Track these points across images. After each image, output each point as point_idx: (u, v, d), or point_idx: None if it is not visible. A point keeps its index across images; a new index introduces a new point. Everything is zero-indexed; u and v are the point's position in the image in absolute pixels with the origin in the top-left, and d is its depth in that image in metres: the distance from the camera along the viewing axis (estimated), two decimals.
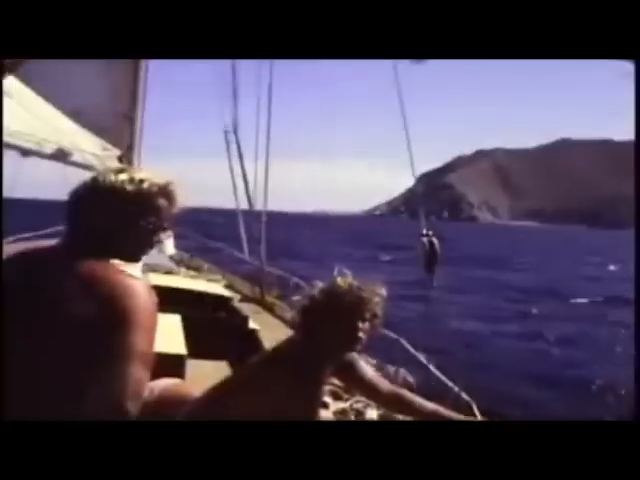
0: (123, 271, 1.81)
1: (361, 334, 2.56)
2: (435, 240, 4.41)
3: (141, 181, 1.84)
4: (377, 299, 2.58)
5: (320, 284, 2.63)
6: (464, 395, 3.98)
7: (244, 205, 8.96)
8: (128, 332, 1.69)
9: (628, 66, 2.08)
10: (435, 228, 4.55)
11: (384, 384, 2.89)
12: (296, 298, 2.71)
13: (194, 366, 4.00)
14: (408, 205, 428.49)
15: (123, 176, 1.84)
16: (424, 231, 4.46)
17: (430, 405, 2.86)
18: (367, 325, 2.56)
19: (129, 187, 1.82)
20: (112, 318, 1.69)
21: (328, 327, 2.54)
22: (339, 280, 2.59)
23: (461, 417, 2.95)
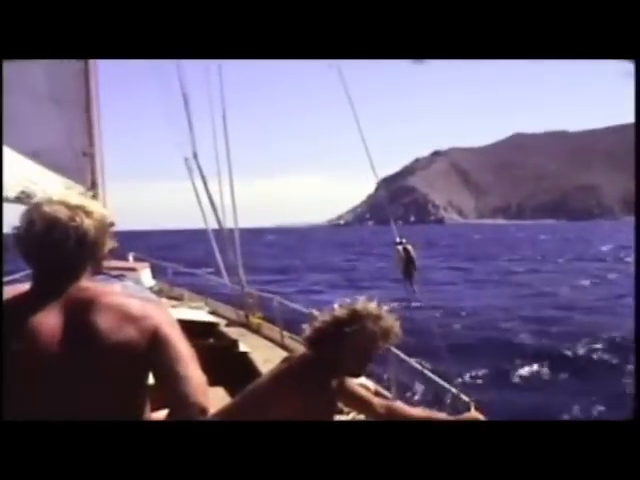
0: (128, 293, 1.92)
1: (371, 360, 2.66)
2: (410, 247, 4.45)
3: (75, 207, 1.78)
4: (395, 332, 2.63)
5: (340, 307, 2.65)
6: (462, 395, 3.99)
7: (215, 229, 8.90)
8: (180, 339, 1.83)
9: (628, 66, 2.12)
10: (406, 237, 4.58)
11: (373, 398, 2.92)
12: (317, 314, 2.75)
13: None
14: (373, 211, 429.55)
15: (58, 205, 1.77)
16: (397, 239, 4.49)
17: (422, 412, 2.91)
18: (377, 352, 2.63)
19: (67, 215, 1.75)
20: (161, 333, 1.79)
21: (347, 348, 2.57)
22: (365, 306, 2.62)
23: (452, 418, 2.99)
